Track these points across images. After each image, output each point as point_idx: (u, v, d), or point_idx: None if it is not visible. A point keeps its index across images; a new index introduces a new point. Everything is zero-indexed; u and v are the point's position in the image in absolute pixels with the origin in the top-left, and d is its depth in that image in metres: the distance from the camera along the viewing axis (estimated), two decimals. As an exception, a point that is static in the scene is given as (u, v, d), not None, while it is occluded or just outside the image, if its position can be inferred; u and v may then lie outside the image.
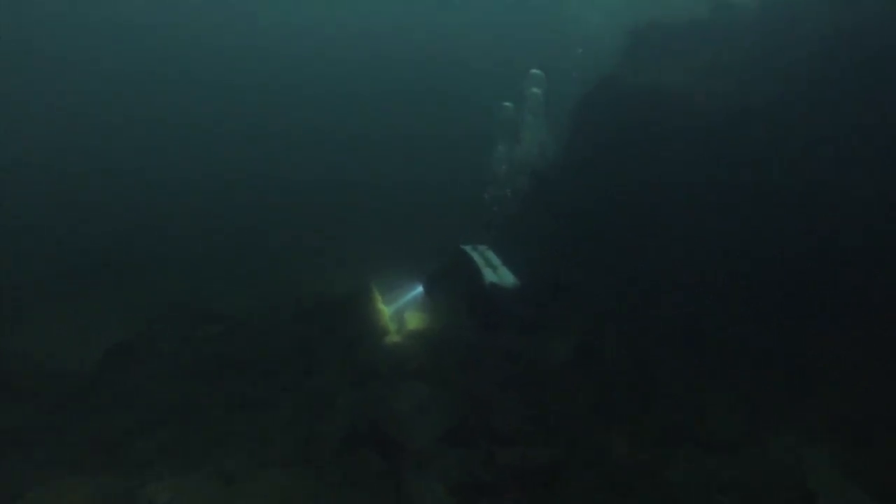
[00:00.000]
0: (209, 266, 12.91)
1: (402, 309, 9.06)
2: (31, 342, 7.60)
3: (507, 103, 11.24)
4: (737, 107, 10.41)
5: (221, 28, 34.45)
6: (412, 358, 7.17)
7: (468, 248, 7.38)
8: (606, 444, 5.88)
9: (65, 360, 7.25)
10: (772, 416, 6.41)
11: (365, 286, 8.80)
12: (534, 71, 11.47)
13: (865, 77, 9.08)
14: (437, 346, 8.01)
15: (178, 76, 32.03)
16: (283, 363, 7.35)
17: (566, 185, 12.45)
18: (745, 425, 6.12)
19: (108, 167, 20.61)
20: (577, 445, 5.97)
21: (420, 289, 8.65)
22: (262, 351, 7.64)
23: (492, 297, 6.76)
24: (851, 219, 9.24)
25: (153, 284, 11.18)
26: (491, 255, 7.29)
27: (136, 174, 20.47)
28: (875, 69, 8.82)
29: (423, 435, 5.56)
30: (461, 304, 7.70)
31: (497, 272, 6.96)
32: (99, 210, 16.48)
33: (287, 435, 5.69)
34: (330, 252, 14.00)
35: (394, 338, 7.87)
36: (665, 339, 9.28)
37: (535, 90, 11.26)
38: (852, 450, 5.34)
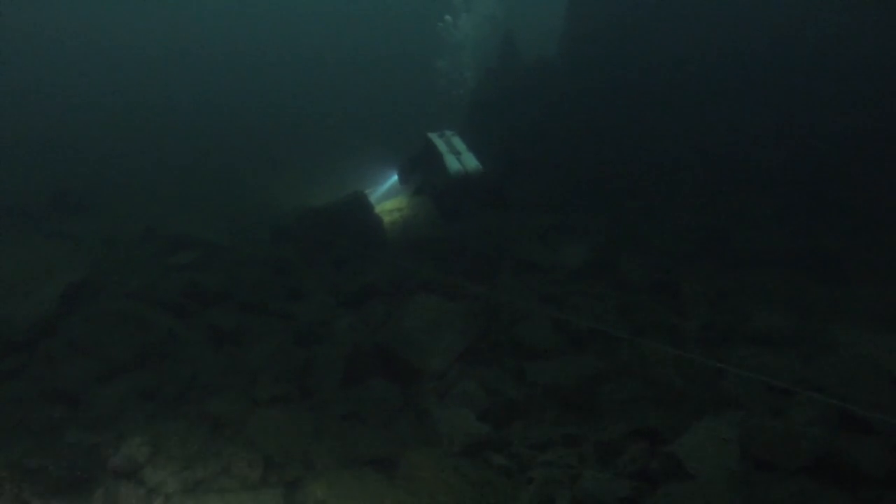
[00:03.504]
0: (176, 194, 11.73)
1: (381, 198, 9.06)
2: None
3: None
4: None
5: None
6: (416, 268, 6.30)
7: (434, 136, 7.27)
8: (645, 351, 5.16)
9: (13, 304, 6.19)
10: (823, 309, 5.75)
11: (355, 193, 7.79)
12: None
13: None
14: (442, 254, 7.17)
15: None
16: (266, 288, 6.43)
17: (567, 59, 11.33)
18: (798, 320, 5.45)
19: (66, 93, 18.77)
20: (613, 354, 5.27)
21: (395, 177, 8.80)
22: (241, 276, 6.69)
23: (453, 182, 6.77)
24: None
25: (115, 217, 10.03)
26: (457, 140, 7.23)
27: (96, 101, 18.71)
28: None
29: (441, 355, 4.78)
30: (428, 189, 7.78)
31: (461, 158, 6.94)
32: (52, 139, 14.89)
33: (279, 369, 4.84)
34: (305, 169, 12.93)
35: (391, 246, 7.01)
36: (682, 237, 8.62)
37: None
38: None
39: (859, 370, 4.20)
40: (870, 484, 3.03)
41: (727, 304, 6.17)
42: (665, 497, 3.14)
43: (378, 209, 8.35)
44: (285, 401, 4.41)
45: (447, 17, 8.10)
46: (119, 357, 5.18)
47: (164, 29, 27.60)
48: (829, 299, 5.91)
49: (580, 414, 4.49)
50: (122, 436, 4.04)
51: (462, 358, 4.92)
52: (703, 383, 4.60)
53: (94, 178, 12.42)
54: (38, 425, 4.33)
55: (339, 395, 4.53)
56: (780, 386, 3.76)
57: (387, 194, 9.51)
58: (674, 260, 7.86)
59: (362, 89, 20.73)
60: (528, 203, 9.42)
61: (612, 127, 10.45)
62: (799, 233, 7.64)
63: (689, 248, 8.27)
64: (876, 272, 6.53)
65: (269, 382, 4.60)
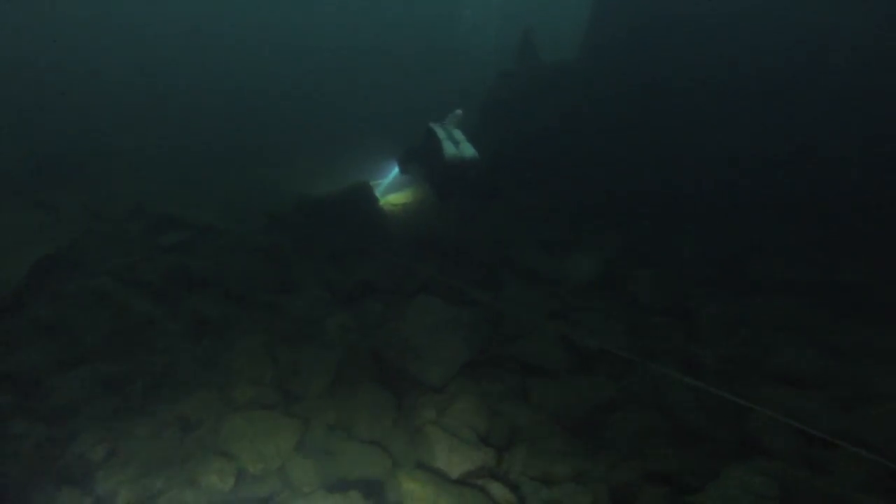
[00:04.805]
0: (171, 174, 11.26)
1: (385, 191, 9.05)
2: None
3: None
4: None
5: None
6: (419, 267, 5.88)
7: (435, 126, 7.40)
8: (662, 379, 4.76)
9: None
10: (852, 349, 5.35)
11: (360, 183, 7.38)
12: None
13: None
14: (447, 255, 6.77)
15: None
16: (256, 278, 5.99)
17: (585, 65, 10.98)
18: (827, 359, 5.04)
19: (58, 63, 18.22)
20: (624, 378, 4.87)
21: (396, 169, 8.64)
22: (231, 263, 6.25)
23: (448, 167, 6.94)
24: None
25: (105, 191, 9.56)
26: (457, 132, 7.39)
27: (90, 70, 18.21)
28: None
29: (442, 366, 4.34)
30: (426, 176, 7.89)
31: (459, 147, 7.05)
32: (46, 108, 14.39)
33: (262, 368, 4.39)
34: (309, 157, 12.51)
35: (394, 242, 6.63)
36: (695, 260, 8.24)
37: None
38: None
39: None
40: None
41: (746, 335, 5.77)
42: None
43: (382, 202, 7.96)
44: (266, 405, 3.96)
45: None
46: (87, 341, 4.73)
47: (174, 10, 27.05)
48: (857, 338, 5.52)
49: (588, 444, 4.07)
50: (78, 432, 3.58)
51: (464, 371, 4.48)
52: (725, 421, 4.20)
53: (88, 150, 11.94)
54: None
55: (327, 402, 4.09)
56: (827, 438, 3.32)
57: (391, 187, 9.15)
58: (687, 283, 7.48)
59: (379, 71, 20.29)
60: (536, 210, 9.04)
61: (630, 140, 10.08)
62: (822, 265, 7.26)
63: (703, 271, 7.89)
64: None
65: (250, 383, 4.15)
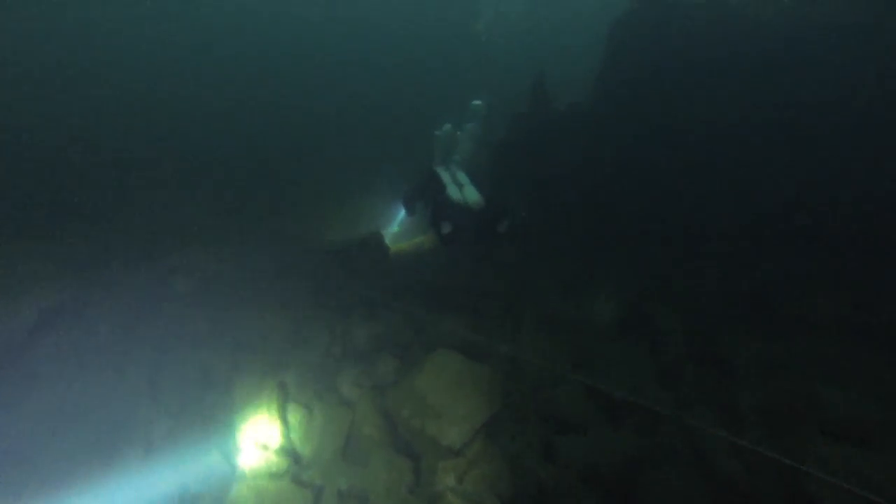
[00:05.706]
0: (185, 214, 11.18)
1: (395, 239, 8.96)
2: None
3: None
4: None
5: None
6: (435, 319, 5.63)
7: (440, 169, 7.26)
8: (696, 432, 4.41)
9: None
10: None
11: (371, 235, 7.22)
12: None
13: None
14: (460, 304, 6.52)
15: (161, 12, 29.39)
16: (266, 330, 5.78)
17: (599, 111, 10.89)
18: (882, 408, 4.64)
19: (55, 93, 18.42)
20: (656, 431, 4.53)
21: (403, 212, 8.44)
22: (241, 313, 6.06)
23: (451, 212, 6.72)
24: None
25: (115, 229, 9.44)
26: (462, 175, 7.21)
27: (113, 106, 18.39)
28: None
29: (460, 425, 4.04)
30: (429, 220, 7.58)
31: (463, 190, 6.84)
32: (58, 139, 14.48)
33: (270, 430, 4.13)
34: (318, 203, 12.46)
35: (406, 293, 6.39)
36: (722, 298, 7.89)
37: None
38: None
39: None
40: None
41: (788, 382, 5.39)
42: None
43: (394, 249, 7.80)
44: (275, 473, 3.69)
45: None
46: (86, 401, 4.52)
47: (190, 36, 27.33)
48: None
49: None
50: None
51: (484, 428, 4.18)
52: (772, 481, 3.83)
53: (99, 191, 11.93)
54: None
55: (339, 468, 3.80)
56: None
57: (401, 234, 9.01)
58: (714, 322, 7.13)
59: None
60: (551, 252, 8.82)
61: (646, 177, 9.91)
62: (864, 304, 6.87)
63: (730, 309, 7.54)
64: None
65: (257, 446, 3.89)
